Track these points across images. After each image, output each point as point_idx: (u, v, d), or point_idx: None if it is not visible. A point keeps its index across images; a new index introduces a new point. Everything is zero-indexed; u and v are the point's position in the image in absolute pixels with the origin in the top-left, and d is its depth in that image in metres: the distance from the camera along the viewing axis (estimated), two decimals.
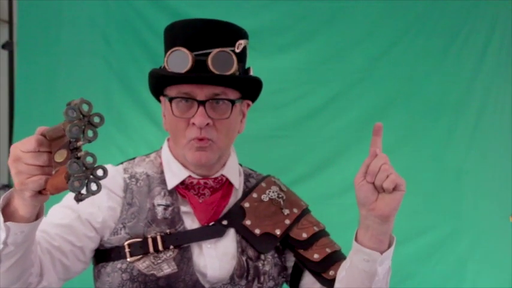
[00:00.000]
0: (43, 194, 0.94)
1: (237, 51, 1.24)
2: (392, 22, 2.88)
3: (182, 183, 1.30)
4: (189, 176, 1.30)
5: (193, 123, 1.23)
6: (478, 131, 2.89)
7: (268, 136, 2.84)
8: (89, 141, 0.90)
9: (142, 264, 1.23)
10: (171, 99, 1.25)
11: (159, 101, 1.35)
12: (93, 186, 0.90)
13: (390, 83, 2.87)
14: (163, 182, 1.31)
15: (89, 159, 0.89)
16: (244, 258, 1.29)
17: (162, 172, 1.32)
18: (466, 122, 2.90)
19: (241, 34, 1.28)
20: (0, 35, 2.95)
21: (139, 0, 2.83)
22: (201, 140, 1.24)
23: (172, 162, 1.32)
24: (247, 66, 1.31)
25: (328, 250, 1.35)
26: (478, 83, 2.89)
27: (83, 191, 0.90)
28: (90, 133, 0.90)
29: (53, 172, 0.92)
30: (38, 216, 1.01)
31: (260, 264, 1.30)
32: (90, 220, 1.24)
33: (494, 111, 2.90)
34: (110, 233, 1.26)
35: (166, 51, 1.26)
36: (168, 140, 1.37)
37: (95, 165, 0.90)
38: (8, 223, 0.97)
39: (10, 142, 2.81)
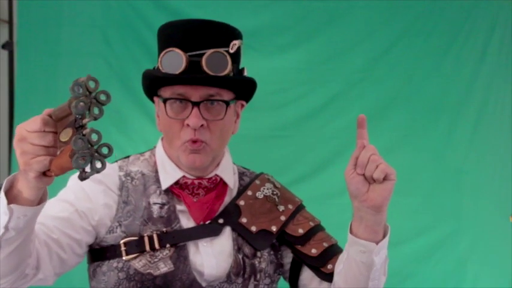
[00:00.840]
0: (47, 176, 0.93)
1: (231, 51, 1.24)
2: (392, 22, 2.88)
3: (176, 183, 1.30)
4: (183, 176, 1.30)
5: (188, 125, 1.22)
6: (478, 131, 2.89)
7: (268, 136, 2.85)
8: (95, 119, 0.88)
9: (139, 263, 1.22)
10: (165, 100, 1.25)
11: (153, 101, 1.35)
12: (98, 164, 0.88)
13: (390, 83, 2.87)
14: (158, 180, 1.31)
15: (94, 137, 0.87)
16: (240, 256, 1.29)
17: (156, 171, 1.32)
18: (466, 122, 2.90)
19: (236, 34, 1.28)
20: (0, 35, 2.95)
21: (139, 0, 2.83)
22: (194, 142, 1.23)
23: (166, 162, 1.32)
24: (241, 66, 1.31)
25: (325, 244, 1.35)
26: (478, 83, 2.90)
27: (87, 169, 0.88)
28: (96, 110, 0.88)
29: (58, 152, 0.91)
30: (41, 201, 1.00)
31: (256, 262, 1.30)
32: (87, 214, 1.23)
33: (494, 111, 2.90)
34: (105, 231, 1.25)
35: (159, 51, 1.26)
36: (162, 139, 1.36)
37: (100, 143, 0.88)
38: (11, 205, 0.96)
39: (10, 142, 2.81)
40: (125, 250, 1.23)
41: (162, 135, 1.36)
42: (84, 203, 1.23)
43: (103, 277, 1.25)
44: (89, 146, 0.87)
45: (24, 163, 0.91)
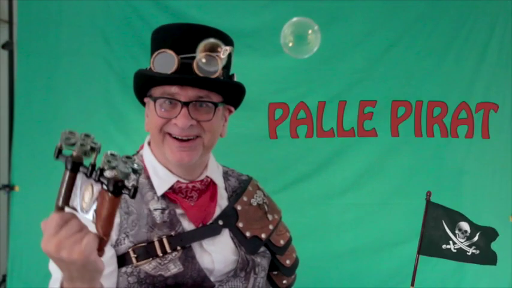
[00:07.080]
0: (100, 250, 0.92)
1: (222, 57, 1.25)
2: (392, 22, 2.88)
3: (170, 188, 1.32)
4: (177, 181, 1.33)
5: (175, 124, 1.25)
6: (478, 131, 2.89)
7: (268, 136, 2.84)
8: (98, 152, 0.90)
9: (149, 266, 1.24)
10: (155, 100, 1.28)
11: (143, 104, 1.38)
12: (133, 176, 0.89)
13: (390, 83, 2.87)
14: (153, 187, 1.33)
15: (111, 158, 0.88)
16: (242, 253, 1.36)
17: (149, 177, 1.34)
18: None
19: (227, 41, 1.31)
20: (0, 35, 2.95)
21: (139, 0, 2.83)
22: (182, 141, 1.27)
23: (158, 167, 1.34)
24: (231, 72, 1.35)
25: (294, 255, 1.48)
26: (478, 83, 2.89)
27: (127, 183, 0.88)
28: (91, 152, 0.90)
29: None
30: None
31: (255, 257, 1.38)
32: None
33: (494, 111, 2.90)
34: (113, 245, 1.25)
35: (152, 53, 1.29)
36: (149, 143, 1.39)
37: (121, 157, 0.89)
38: None
39: (10, 142, 2.80)
40: (135, 257, 1.24)
41: (146, 140, 1.40)
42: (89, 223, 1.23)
43: None
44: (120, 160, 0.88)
45: (68, 258, 0.90)
